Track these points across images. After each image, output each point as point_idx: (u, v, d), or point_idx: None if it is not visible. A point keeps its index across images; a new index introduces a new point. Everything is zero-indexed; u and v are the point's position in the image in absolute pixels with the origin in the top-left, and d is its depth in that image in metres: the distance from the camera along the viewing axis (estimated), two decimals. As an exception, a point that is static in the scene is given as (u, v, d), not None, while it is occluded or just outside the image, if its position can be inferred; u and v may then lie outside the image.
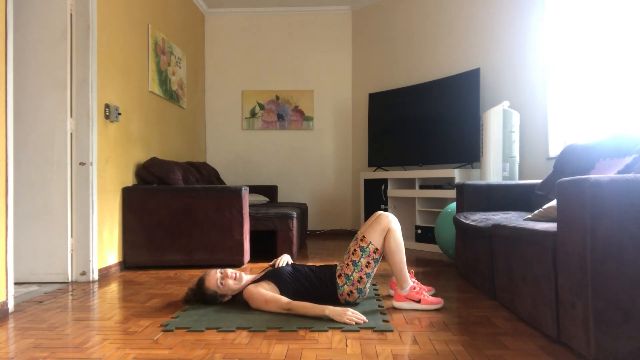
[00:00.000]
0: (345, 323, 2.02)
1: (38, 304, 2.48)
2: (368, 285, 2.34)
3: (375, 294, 2.59)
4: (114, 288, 2.88)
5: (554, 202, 2.20)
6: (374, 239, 2.31)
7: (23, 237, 3.01)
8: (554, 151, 3.72)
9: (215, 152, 5.88)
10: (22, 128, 3.02)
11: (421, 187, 4.48)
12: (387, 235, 2.31)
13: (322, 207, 5.87)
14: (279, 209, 3.95)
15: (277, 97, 5.84)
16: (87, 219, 3.09)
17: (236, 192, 3.54)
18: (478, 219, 2.75)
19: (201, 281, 2.36)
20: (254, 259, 3.97)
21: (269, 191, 5.41)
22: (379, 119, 5.17)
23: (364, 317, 2.06)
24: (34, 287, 2.89)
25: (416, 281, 2.43)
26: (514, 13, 4.09)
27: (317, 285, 2.33)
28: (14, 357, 1.70)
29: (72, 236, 3.08)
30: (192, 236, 3.52)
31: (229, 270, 2.36)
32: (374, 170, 5.14)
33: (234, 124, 5.89)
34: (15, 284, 2.94)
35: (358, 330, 1.95)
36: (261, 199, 4.88)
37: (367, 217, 4.95)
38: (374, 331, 1.95)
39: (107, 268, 3.30)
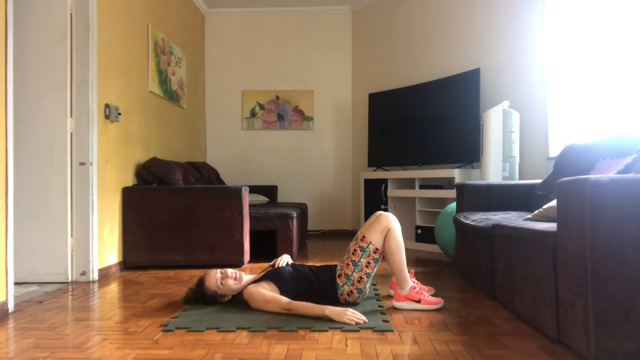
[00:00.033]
0: (345, 323, 2.02)
1: (38, 304, 2.48)
2: (368, 285, 2.34)
3: (375, 294, 2.59)
4: (114, 288, 2.88)
5: (554, 202, 2.20)
6: (374, 239, 2.31)
7: (23, 237, 3.01)
8: (554, 151, 3.72)
9: (215, 152, 5.88)
10: (22, 128, 3.02)
11: (421, 187, 4.48)
12: (387, 235, 2.31)
13: (322, 207, 5.87)
14: (279, 209, 3.95)
15: (277, 97, 5.84)
16: (87, 219, 3.09)
17: (236, 192, 3.54)
18: (478, 219, 2.75)
19: (201, 281, 2.36)
20: (254, 259, 3.97)
21: (269, 191, 5.41)
22: (379, 119, 5.17)
23: (364, 317, 2.06)
24: (34, 287, 2.89)
25: (416, 281, 2.43)
26: (514, 13, 4.09)
27: (317, 285, 2.33)
28: (14, 357, 1.70)
29: (72, 236, 3.08)
30: (192, 236, 3.52)
31: (229, 270, 2.36)
32: (374, 170, 5.14)
33: (234, 124, 5.89)
34: (15, 284, 2.94)
35: (358, 330, 1.95)
36: (261, 199, 4.88)
37: (367, 217, 4.95)
38: (374, 331, 1.95)
39: (107, 268, 3.30)
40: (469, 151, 4.23)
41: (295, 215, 3.88)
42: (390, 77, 5.39)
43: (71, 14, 3.08)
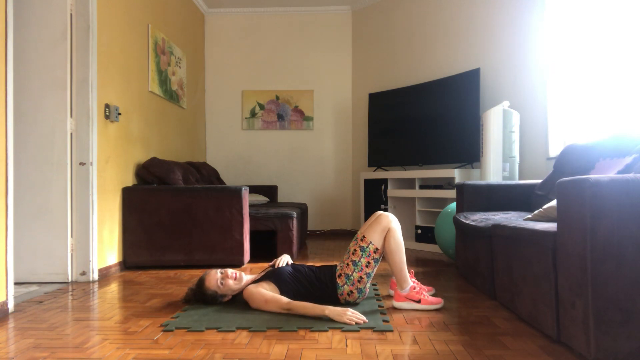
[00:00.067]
0: (345, 323, 2.02)
1: (38, 304, 2.48)
2: (368, 285, 2.34)
3: (375, 294, 2.59)
4: (114, 288, 2.88)
5: (554, 202, 2.20)
6: (374, 238, 2.31)
7: (23, 237, 3.01)
8: (554, 151, 3.72)
9: (215, 152, 5.88)
10: (22, 128, 3.02)
11: (421, 187, 4.48)
12: (387, 235, 2.31)
13: (322, 207, 5.87)
14: (279, 209, 3.95)
15: (277, 97, 5.84)
16: (87, 219, 3.09)
17: (236, 192, 3.54)
18: (478, 219, 2.75)
19: (201, 281, 2.36)
20: (254, 259, 3.97)
21: (269, 191, 5.41)
22: (379, 119, 5.17)
23: (364, 317, 2.06)
24: (34, 287, 2.89)
25: (416, 281, 2.43)
26: (514, 13, 4.09)
27: (317, 285, 2.33)
28: (14, 357, 1.70)
29: (72, 236, 3.08)
30: (192, 236, 3.52)
31: (229, 270, 2.36)
32: (374, 170, 5.14)
33: (234, 124, 5.89)
34: (15, 284, 2.94)
35: (358, 330, 1.95)
36: (261, 199, 4.88)
37: (367, 217, 4.95)
38: (374, 331, 1.95)
39: (107, 268, 3.30)
40: (469, 151, 4.23)
41: (295, 215, 3.88)
42: (390, 77, 5.39)
43: (71, 14, 3.08)
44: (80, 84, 3.09)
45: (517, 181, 3.38)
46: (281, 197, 5.87)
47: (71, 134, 3.08)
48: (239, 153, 5.87)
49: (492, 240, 2.43)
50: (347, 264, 2.31)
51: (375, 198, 4.90)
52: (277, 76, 5.88)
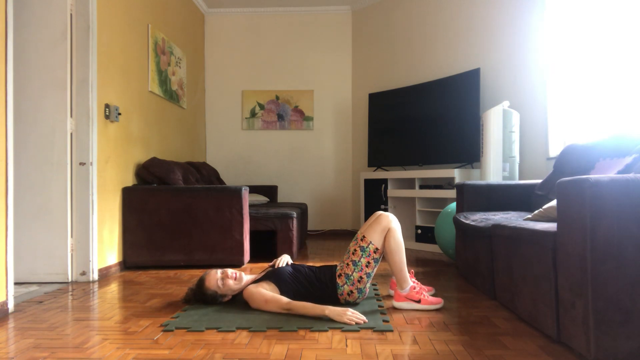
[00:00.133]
0: (345, 323, 2.02)
1: (38, 304, 2.48)
2: (368, 285, 2.34)
3: (375, 294, 2.59)
4: (114, 288, 2.88)
5: (554, 202, 2.20)
6: (374, 238, 2.31)
7: (23, 237, 3.01)
8: (554, 151, 3.72)
9: (215, 152, 5.88)
10: (22, 128, 3.02)
11: (421, 187, 4.48)
12: (387, 235, 2.31)
13: (322, 207, 5.87)
14: (279, 209, 3.95)
15: (277, 97, 5.84)
16: (87, 219, 3.09)
17: (236, 192, 3.54)
18: (478, 219, 2.75)
19: (201, 281, 2.36)
20: (254, 259, 3.97)
21: (269, 191, 5.41)
22: (379, 119, 5.17)
23: (364, 317, 2.06)
24: (34, 287, 2.89)
25: (416, 281, 2.43)
26: (514, 13, 4.09)
27: (317, 285, 2.33)
28: (14, 357, 1.70)
29: (72, 236, 3.08)
30: (192, 236, 3.52)
31: (229, 271, 2.36)
32: (374, 170, 5.14)
33: (234, 124, 5.89)
34: (15, 284, 2.94)
35: (358, 330, 1.95)
36: (261, 199, 4.88)
37: (367, 217, 4.96)
38: (374, 331, 1.95)
39: (107, 268, 3.30)
40: (469, 151, 4.23)
41: (295, 215, 3.88)
42: (390, 77, 5.39)
43: (71, 14, 3.08)
44: (80, 84, 3.10)
45: (517, 181, 3.38)
46: (281, 197, 5.87)
47: (71, 134, 3.08)
48: (239, 153, 5.87)
49: (492, 240, 2.44)
50: (347, 264, 2.31)
51: (375, 198, 4.90)
52: (277, 76, 5.88)
